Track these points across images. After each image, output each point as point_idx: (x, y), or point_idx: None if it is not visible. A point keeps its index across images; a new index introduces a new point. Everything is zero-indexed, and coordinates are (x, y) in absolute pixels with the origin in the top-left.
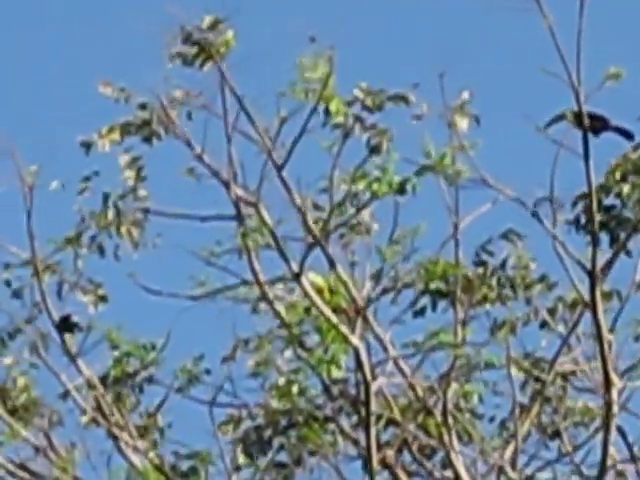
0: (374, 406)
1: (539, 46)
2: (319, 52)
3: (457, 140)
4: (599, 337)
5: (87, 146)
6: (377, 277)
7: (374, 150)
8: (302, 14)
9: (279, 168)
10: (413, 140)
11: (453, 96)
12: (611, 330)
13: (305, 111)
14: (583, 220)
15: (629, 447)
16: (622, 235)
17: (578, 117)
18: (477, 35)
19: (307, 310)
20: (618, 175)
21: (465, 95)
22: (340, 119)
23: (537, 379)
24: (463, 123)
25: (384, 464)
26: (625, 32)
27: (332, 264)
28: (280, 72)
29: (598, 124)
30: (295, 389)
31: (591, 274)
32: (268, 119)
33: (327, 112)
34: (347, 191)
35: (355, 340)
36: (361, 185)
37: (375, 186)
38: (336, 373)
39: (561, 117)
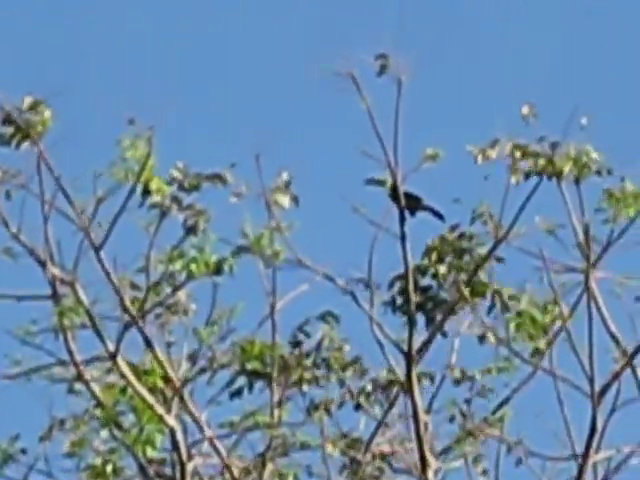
0: None
1: (359, 127)
2: (139, 133)
3: (275, 221)
4: (415, 418)
5: None
6: (193, 357)
7: (191, 230)
8: (123, 94)
9: (97, 248)
10: (232, 220)
11: (273, 177)
12: (427, 411)
13: (123, 191)
14: (399, 301)
15: None
16: (438, 316)
17: (395, 195)
18: (297, 116)
19: (123, 390)
20: (435, 256)
21: (284, 176)
22: (157, 199)
23: (353, 460)
24: (285, 202)
25: None
26: (443, 113)
27: (148, 344)
28: (100, 152)
29: (413, 203)
30: (110, 469)
31: (407, 355)
32: (86, 199)
33: (145, 192)
34: (164, 271)
35: (171, 420)
36: (178, 265)
37: (192, 266)
38: (151, 453)
39: (381, 182)
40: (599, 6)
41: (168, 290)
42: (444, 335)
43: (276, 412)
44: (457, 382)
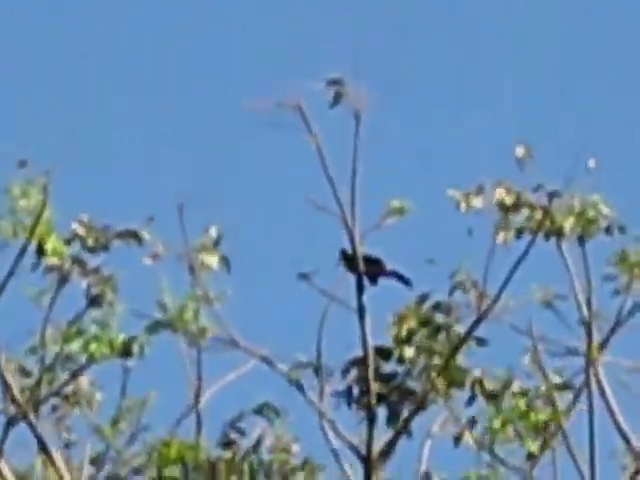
0: None
1: (308, 171)
2: (32, 179)
3: (202, 288)
4: None
5: None
6: (98, 461)
7: (95, 301)
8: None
9: None
10: (148, 288)
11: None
12: None
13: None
14: (356, 392)
15: None
16: (404, 410)
17: (351, 260)
18: (232, 160)
19: None
20: (402, 334)
21: (212, 232)
22: (55, 260)
23: None
24: (213, 262)
25: None
26: (408, 161)
27: (41, 444)
28: None
29: (373, 268)
30: None
31: (366, 460)
32: None
33: (40, 251)
34: (58, 352)
35: None
36: (76, 345)
37: (93, 346)
38: None
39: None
40: (599, 6)
41: (66, 376)
42: (409, 435)
43: None
44: None
